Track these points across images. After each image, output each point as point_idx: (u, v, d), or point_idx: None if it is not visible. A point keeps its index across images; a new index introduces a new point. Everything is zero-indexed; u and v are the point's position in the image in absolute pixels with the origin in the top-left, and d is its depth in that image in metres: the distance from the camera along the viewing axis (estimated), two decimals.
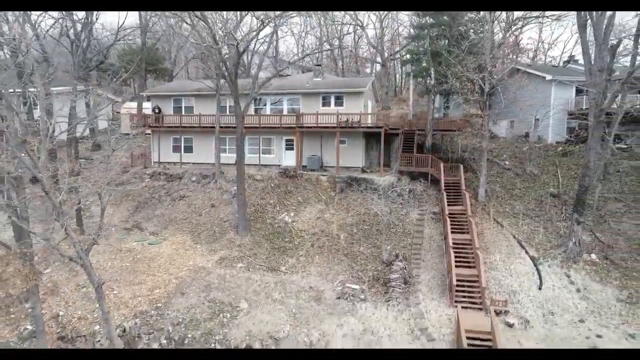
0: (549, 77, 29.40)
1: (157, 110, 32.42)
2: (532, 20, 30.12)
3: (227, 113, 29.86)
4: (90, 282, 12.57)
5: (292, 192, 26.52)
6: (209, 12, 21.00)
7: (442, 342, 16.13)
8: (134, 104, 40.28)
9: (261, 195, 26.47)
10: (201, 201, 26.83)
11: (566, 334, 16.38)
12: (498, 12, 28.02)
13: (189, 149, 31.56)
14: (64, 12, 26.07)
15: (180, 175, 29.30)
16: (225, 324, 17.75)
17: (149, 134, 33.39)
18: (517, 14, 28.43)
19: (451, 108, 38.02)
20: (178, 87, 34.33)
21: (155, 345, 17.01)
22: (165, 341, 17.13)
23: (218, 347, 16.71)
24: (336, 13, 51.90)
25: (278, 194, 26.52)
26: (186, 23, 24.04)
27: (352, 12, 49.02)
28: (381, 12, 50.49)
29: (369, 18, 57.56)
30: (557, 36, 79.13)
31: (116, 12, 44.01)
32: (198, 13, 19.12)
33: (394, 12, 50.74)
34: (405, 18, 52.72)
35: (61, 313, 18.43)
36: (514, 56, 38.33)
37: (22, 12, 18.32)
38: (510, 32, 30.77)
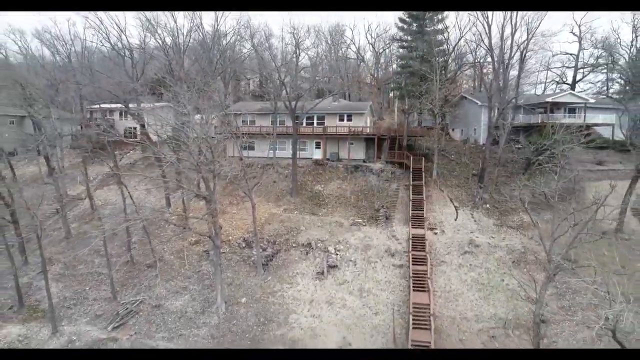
0: (479, 102, 46.89)
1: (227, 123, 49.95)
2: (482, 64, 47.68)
3: (278, 125, 47.36)
4: (251, 204, 30.10)
5: (322, 174, 44.08)
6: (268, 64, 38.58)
7: (402, 239, 33.65)
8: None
9: (303, 175, 44.02)
10: (266, 179, 44.36)
11: (461, 237, 33.86)
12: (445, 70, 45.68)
13: (252, 148, 49.09)
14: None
15: (250, 164, 46.83)
16: (295, 235, 35.34)
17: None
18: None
19: (423, 120, 55.55)
20: (243, 107, 51.98)
21: (262, 244, 34.50)
22: (266, 243, 34.69)
23: (293, 244, 34.26)
24: (343, 46, 69.73)
25: (313, 175, 44.10)
26: (260, 74, 41.47)
27: (355, 48, 66.58)
28: (379, 47, 68.09)
29: (368, 46, 75.06)
30: None
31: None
32: (280, 78, 36.75)
33: (389, 47, 68.45)
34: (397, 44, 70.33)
35: None
36: (461, 87, 55.87)
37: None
38: (459, 72, 48.32)
